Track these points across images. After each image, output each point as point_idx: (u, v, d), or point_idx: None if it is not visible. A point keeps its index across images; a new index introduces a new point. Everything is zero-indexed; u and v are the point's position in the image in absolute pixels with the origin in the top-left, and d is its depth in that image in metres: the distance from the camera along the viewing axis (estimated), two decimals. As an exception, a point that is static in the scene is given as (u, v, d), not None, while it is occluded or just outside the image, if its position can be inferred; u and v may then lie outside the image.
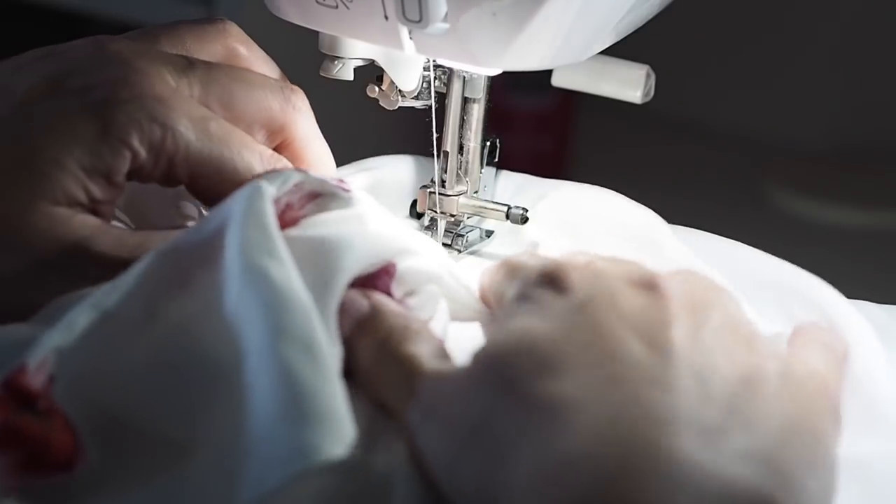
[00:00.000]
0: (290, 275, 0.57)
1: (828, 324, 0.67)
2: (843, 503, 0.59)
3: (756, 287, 0.72)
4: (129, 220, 0.72)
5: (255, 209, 0.59)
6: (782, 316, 0.70)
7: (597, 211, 0.76)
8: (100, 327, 0.58)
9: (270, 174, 0.63)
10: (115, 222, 0.70)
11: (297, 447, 0.52)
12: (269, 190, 0.60)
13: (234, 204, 0.59)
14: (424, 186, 0.77)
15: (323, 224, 0.63)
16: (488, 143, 0.77)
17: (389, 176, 0.80)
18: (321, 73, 0.75)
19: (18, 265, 0.64)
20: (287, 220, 0.62)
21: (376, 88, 0.76)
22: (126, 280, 0.59)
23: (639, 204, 0.76)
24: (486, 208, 0.76)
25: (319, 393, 0.54)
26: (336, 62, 0.74)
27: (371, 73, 0.76)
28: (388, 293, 0.63)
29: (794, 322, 0.68)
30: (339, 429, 0.53)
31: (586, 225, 0.76)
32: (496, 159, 0.78)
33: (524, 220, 0.75)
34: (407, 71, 0.74)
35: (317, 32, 0.73)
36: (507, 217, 0.75)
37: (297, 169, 0.66)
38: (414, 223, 0.78)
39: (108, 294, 0.59)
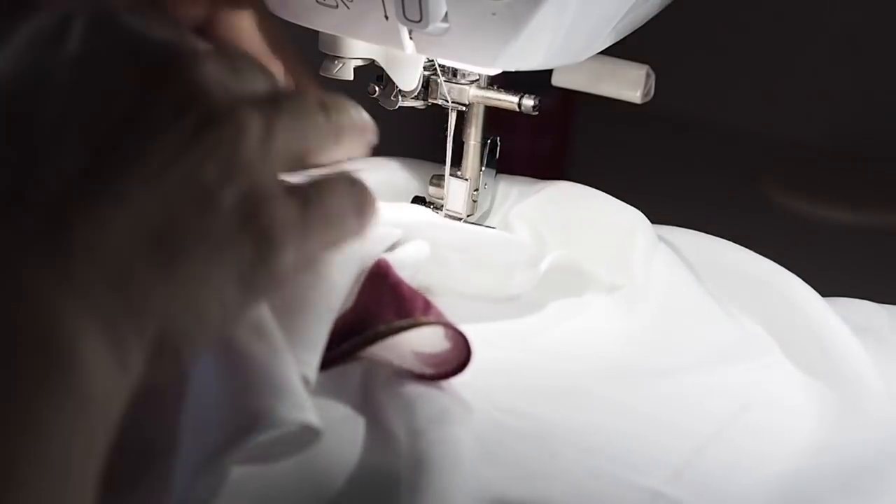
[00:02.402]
0: None
1: (803, 321, 0.70)
2: (827, 493, 0.59)
3: (735, 284, 0.73)
4: None
5: None
6: (759, 312, 0.72)
7: (584, 207, 0.76)
8: None
9: None
10: None
11: (255, 413, 0.52)
12: None
13: None
14: (434, 74, 0.76)
15: None
16: (489, 142, 0.77)
17: (385, 177, 0.80)
18: (321, 73, 0.75)
19: None
20: None
21: (376, 88, 0.76)
22: None
23: (626, 204, 0.76)
24: (497, 98, 0.76)
25: (270, 366, 0.54)
26: (336, 62, 0.74)
27: (371, 73, 0.76)
28: (397, 281, 0.63)
29: (770, 319, 0.71)
30: (293, 396, 0.53)
31: (573, 220, 0.76)
32: (496, 157, 0.78)
33: (536, 108, 0.74)
34: (407, 71, 0.74)
35: (317, 32, 0.73)
36: (519, 107, 0.75)
37: None
38: None
39: None
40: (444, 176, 0.77)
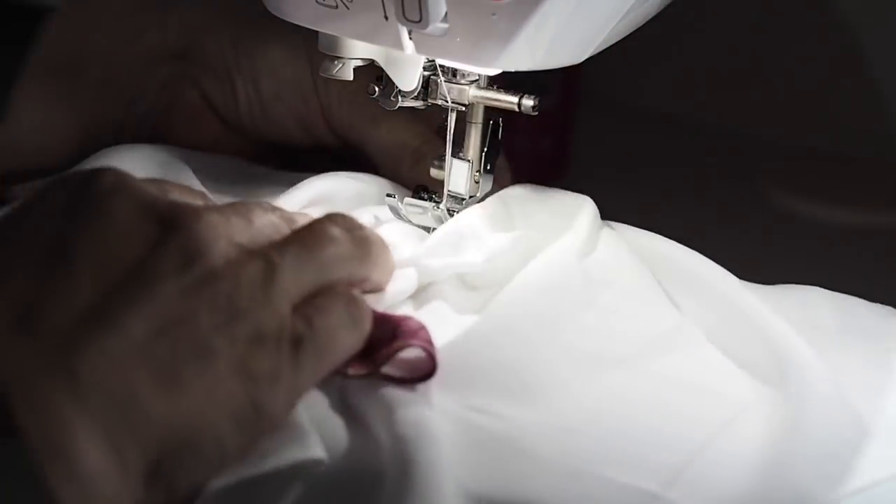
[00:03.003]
0: None
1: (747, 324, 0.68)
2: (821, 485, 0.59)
3: (675, 275, 0.72)
4: None
5: None
6: (707, 315, 0.70)
7: (535, 198, 0.76)
8: None
9: None
10: None
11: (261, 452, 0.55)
12: None
13: None
14: (434, 74, 0.76)
15: None
16: (491, 123, 0.77)
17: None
18: (321, 73, 0.75)
19: None
20: None
21: (376, 88, 0.76)
22: None
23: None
24: (497, 98, 0.75)
25: None
26: (336, 62, 0.74)
27: (371, 73, 0.76)
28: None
29: (717, 322, 0.69)
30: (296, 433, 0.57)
31: (522, 207, 0.75)
32: (499, 138, 0.77)
33: (536, 108, 0.74)
34: (407, 71, 0.74)
35: (317, 32, 0.74)
36: (519, 107, 0.75)
37: None
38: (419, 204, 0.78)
39: None
40: (445, 157, 0.77)
